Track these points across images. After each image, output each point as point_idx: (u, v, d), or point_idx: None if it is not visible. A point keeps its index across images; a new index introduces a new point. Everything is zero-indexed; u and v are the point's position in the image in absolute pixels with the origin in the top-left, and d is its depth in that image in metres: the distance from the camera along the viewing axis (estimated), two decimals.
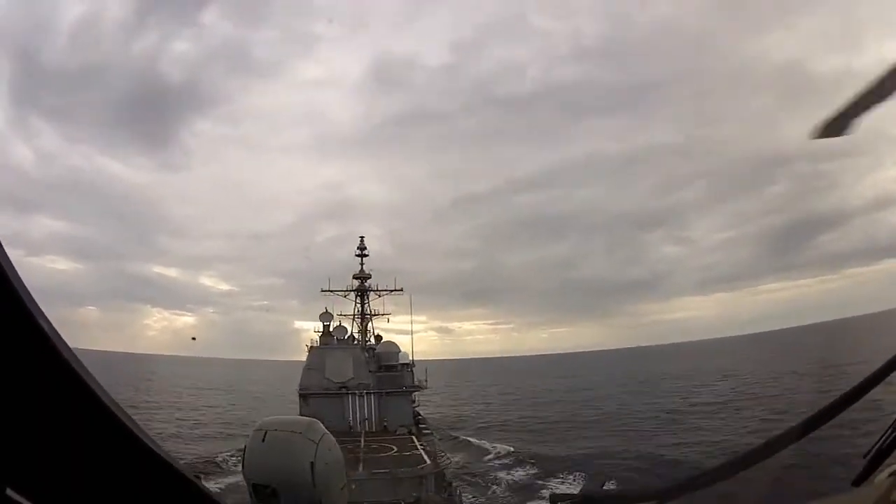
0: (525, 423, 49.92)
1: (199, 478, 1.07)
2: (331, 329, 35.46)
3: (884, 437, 1.64)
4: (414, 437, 27.10)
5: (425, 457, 21.12)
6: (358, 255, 38.93)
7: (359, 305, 39.42)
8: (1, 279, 0.78)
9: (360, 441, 24.07)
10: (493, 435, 45.13)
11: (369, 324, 39.29)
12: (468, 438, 43.81)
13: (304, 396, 31.33)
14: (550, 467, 32.65)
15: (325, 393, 30.94)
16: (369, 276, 39.09)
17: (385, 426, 30.36)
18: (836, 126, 1.21)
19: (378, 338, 38.70)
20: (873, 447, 1.65)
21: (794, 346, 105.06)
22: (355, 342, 37.29)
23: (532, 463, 34.51)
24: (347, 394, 31.19)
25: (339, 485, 4.01)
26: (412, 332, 37.49)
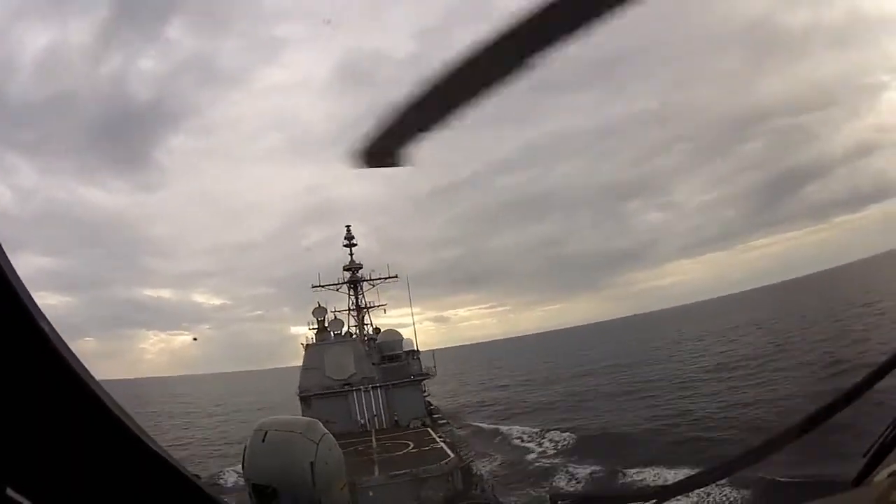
0: (563, 402, 45.96)
1: (198, 477, 1.07)
2: (326, 324, 33.12)
3: (883, 437, 1.64)
4: (430, 430, 25.11)
5: (447, 450, 18.95)
6: (346, 246, 36.29)
7: (353, 298, 36.88)
8: (1, 280, 0.78)
9: (371, 441, 22.38)
10: (527, 420, 40.61)
11: (366, 317, 36.85)
12: (496, 426, 40.15)
13: (304, 399, 29.26)
14: (626, 458, 25.21)
15: (328, 392, 28.91)
16: (360, 266, 36.50)
17: (396, 421, 28.31)
18: (382, 154, 1.08)
19: (377, 330, 36.23)
20: (873, 446, 1.65)
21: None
22: (353, 336, 34.92)
23: (590, 452, 29.37)
24: (352, 391, 29.05)
25: (339, 485, 4.01)
26: (413, 317, 34.57)
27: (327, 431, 3.52)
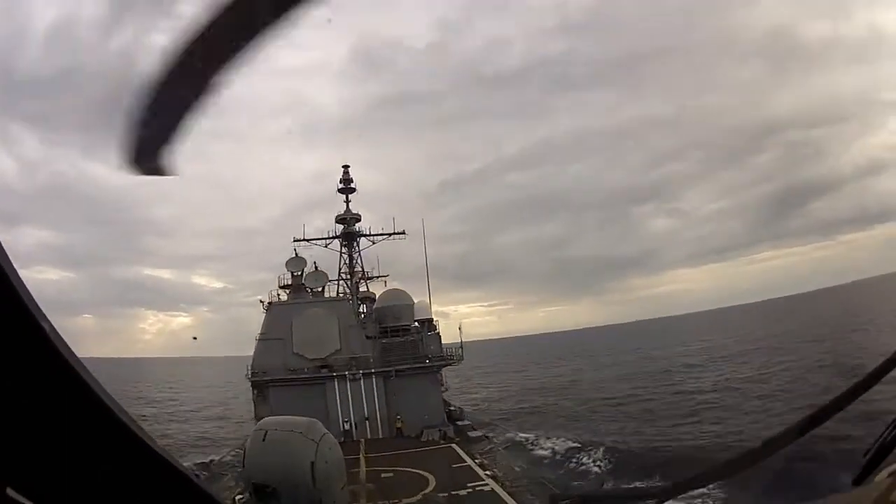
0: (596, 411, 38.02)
1: (199, 476, 1.08)
2: (303, 280, 23.19)
3: (883, 436, 1.64)
4: (456, 447, 16.78)
5: (504, 496, 11.55)
6: (341, 191, 26.75)
7: (346, 258, 27.11)
8: (1, 281, 0.78)
9: (357, 464, 13.70)
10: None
11: (361, 285, 27.37)
12: (528, 435, 27.28)
13: (258, 386, 20.33)
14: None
15: (294, 379, 19.46)
16: (358, 218, 26.71)
17: (400, 430, 19.07)
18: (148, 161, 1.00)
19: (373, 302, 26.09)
20: (873, 446, 1.65)
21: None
22: (343, 297, 25.19)
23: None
24: (332, 377, 19.51)
25: (339, 484, 4.02)
26: (428, 280, 23.51)
27: (328, 431, 3.53)
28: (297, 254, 24.45)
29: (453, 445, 17.10)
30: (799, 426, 1.58)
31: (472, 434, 19.58)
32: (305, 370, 20.24)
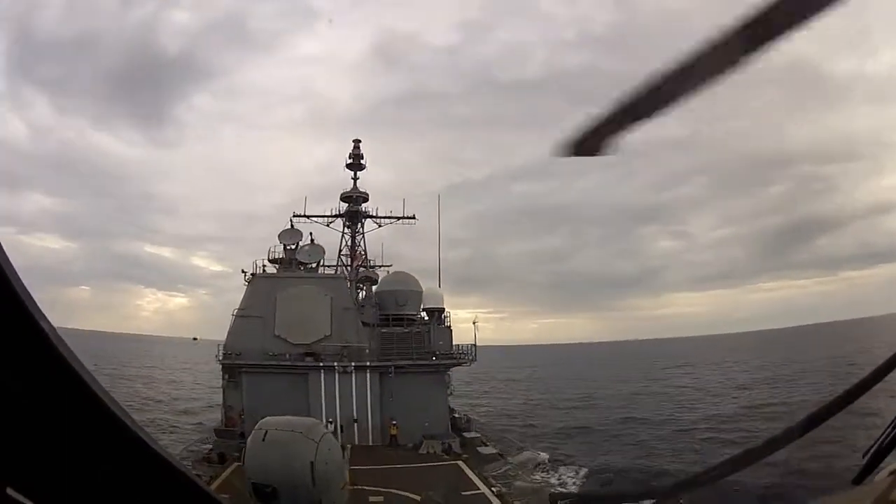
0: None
1: (199, 476, 1.08)
2: (296, 253, 20.13)
3: (883, 436, 1.64)
4: (462, 465, 13.88)
5: None
6: (350, 166, 24.62)
7: (348, 239, 24.73)
8: (2, 281, 0.78)
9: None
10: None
11: (363, 267, 24.27)
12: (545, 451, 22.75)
13: (230, 370, 17.58)
14: None
15: (273, 365, 16.57)
16: (365, 197, 24.12)
17: (394, 437, 16.21)
18: (591, 144, 1.06)
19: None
20: (873, 446, 1.65)
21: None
22: (338, 274, 21.82)
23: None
24: (318, 368, 16.48)
25: (339, 484, 4.02)
26: (440, 266, 20.46)
27: (328, 431, 3.53)
28: (293, 226, 21.01)
29: (459, 463, 14.01)
30: (799, 426, 1.58)
31: (483, 451, 16.18)
32: (287, 356, 16.88)
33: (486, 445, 17.16)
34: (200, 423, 30.22)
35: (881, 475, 1.62)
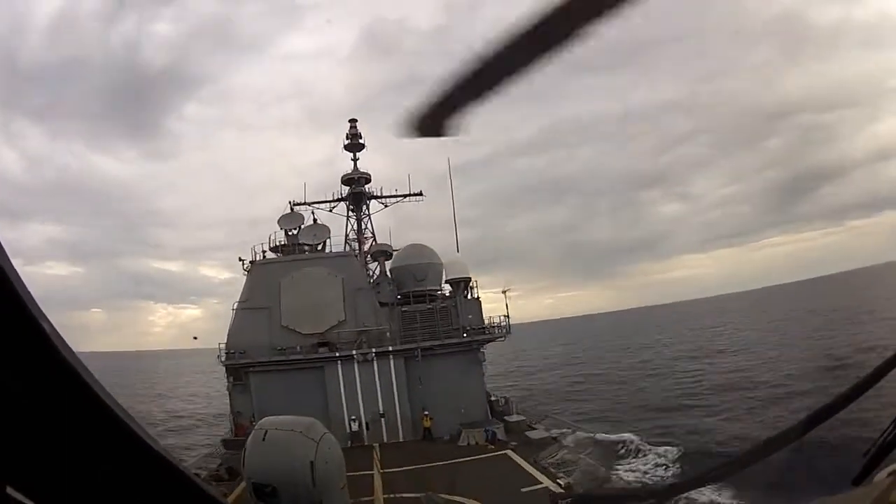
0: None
1: (199, 476, 1.08)
2: (299, 236, 18.34)
3: (883, 436, 1.64)
4: (514, 455, 12.32)
5: None
6: (348, 147, 23.48)
7: (353, 223, 23.94)
8: (2, 281, 0.78)
9: (372, 490, 9.68)
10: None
11: (369, 250, 22.57)
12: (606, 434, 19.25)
13: (235, 372, 15.87)
14: None
15: (282, 361, 14.96)
16: (368, 178, 22.80)
17: (427, 430, 14.54)
18: (431, 124, 1.05)
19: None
20: (873, 446, 1.65)
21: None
22: (350, 252, 20.11)
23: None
24: (334, 359, 14.90)
25: (339, 484, 4.02)
26: (457, 232, 18.82)
27: (328, 431, 3.52)
28: (292, 209, 19.55)
29: (508, 452, 12.51)
30: (799, 426, 1.58)
31: (533, 435, 14.29)
32: (298, 349, 15.15)
33: (534, 429, 15.16)
34: (206, 437, 28.78)
35: (881, 475, 1.62)
